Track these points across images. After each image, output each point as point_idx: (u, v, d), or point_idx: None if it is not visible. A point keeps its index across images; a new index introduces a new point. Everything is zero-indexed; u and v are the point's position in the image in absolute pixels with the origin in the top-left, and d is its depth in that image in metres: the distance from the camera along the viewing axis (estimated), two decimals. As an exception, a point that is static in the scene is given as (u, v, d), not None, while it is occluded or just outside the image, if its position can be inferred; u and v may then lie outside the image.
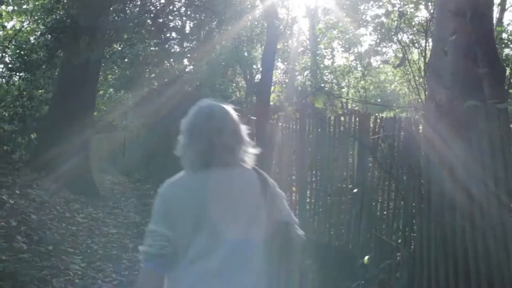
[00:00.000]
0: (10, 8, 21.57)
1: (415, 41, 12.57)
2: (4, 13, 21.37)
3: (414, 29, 11.87)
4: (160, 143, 18.04)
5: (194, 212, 3.04)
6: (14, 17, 22.31)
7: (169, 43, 20.46)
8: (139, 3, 17.44)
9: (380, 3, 18.00)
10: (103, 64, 18.72)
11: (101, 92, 23.82)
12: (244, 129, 3.30)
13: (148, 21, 17.41)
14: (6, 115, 18.53)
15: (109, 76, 23.68)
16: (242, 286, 3.03)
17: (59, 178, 13.26)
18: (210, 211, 3.03)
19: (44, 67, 18.13)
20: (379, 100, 27.61)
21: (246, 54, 22.11)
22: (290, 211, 3.40)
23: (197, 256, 3.01)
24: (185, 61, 21.46)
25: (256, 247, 3.13)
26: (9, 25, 22.04)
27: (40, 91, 19.59)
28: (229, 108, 3.31)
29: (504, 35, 17.34)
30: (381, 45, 23.97)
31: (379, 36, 21.00)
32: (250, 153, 3.30)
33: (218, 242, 3.02)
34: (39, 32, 18.79)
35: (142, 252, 3.06)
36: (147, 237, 3.06)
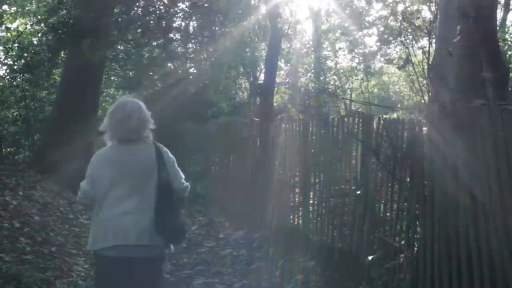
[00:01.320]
0: (13, 9, 21.59)
1: (418, 41, 12.58)
2: (8, 15, 21.37)
3: (418, 29, 11.88)
4: (164, 144, 17.99)
5: (109, 174, 4.82)
6: (17, 18, 22.31)
7: (172, 44, 20.48)
8: (142, 4, 17.45)
9: (384, 4, 17.98)
10: (106, 65, 18.72)
11: (105, 93, 23.81)
12: (148, 116, 5.06)
13: (152, 22, 17.42)
14: (10, 116, 18.53)
15: (112, 78, 23.67)
16: (140, 220, 4.72)
17: (62, 179, 13.26)
18: (121, 173, 4.82)
19: (46, 66, 18.10)
20: (382, 98, 27.61)
21: (249, 55, 22.07)
22: (177, 170, 5.12)
23: (113, 202, 4.76)
24: (189, 62, 21.47)
25: (149, 195, 4.79)
26: (12, 26, 22.03)
27: (43, 92, 19.58)
28: (139, 102, 5.10)
29: (507, 36, 17.33)
30: (384, 47, 23.99)
31: (383, 35, 20.99)
32: (150, 131, 5.09)
33: (125, 190, 4.78)
34: (42, 32, 18.76)
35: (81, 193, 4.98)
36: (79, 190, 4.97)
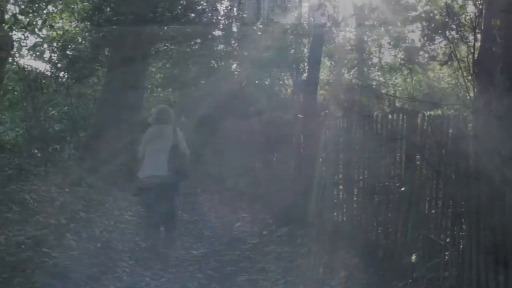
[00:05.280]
0: (59, 7, 21.74)
1: (464, 37, 12.40)
2: (54, 15, 21.57)
3: (463, 25, 11.72)
4: (207, 140, 18.05)
5: (149, 138, 9.54)
6: (63, 16, 22.48)
7: (215, 41, 20.52)
8: (185, 2, 17.51)
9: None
10: (150, 62, 18.83)
11: (149, 90, 23.97)
12: (171, 112, 10.10)
13: (196, 19, 17.46)
14: (56, 114, 18.76)
15: (158, 75, 23.81)
16: (161, 162, 9.13)
17: (107, 176, 13.40)
18: (154, 138, 9.48)
19: (90, 63, 18.27)
20: (426, 94, 27.28)
21: (292, 51, 21.99)
22: (182, 139, 9.54)
23: (149, 154, 9.34)
24: (231, 59, 21.49)
25: (167, 150, 9.20)
26: (57, 25, 22.20)
27: (89, 91, 19.78)
28: (167, 106, 10.92)
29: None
30: (428, 42, 23.72)
31: (426, 30, 20.74)
32: (172, 119, 9.88)
33: (156, 147, 9.30)
34: (86, 29, 18.93)
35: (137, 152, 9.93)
36: (137, 149, 9.92)
